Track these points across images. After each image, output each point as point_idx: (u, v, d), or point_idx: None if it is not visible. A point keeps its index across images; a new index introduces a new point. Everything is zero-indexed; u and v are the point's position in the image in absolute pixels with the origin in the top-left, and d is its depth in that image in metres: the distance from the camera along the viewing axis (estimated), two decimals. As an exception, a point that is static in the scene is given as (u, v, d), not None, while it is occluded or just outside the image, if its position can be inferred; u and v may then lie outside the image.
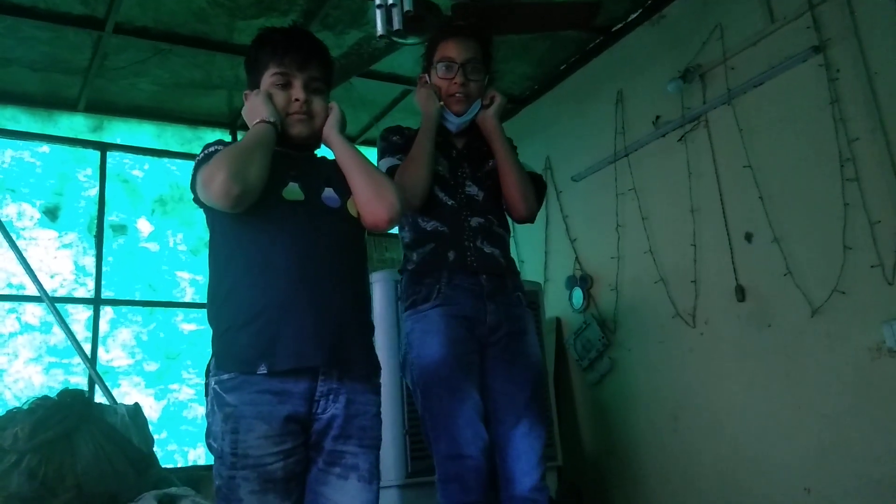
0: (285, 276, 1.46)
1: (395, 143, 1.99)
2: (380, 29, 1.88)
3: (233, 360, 1.44)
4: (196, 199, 1.55)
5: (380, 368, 1.58)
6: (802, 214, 2.76)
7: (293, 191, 1.53)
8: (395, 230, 1.98)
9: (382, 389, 1.59)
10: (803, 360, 2.71)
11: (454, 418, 1.77)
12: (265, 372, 1.40)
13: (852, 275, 2.56)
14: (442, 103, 2.00)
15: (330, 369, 1.45)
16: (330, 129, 1.62)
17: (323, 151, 1.69)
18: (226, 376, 1.43)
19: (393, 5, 1.86)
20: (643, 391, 3.39)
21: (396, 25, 1.87)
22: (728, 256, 3.00)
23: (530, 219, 2.05)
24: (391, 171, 1.90)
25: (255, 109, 1.56)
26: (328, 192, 1.57)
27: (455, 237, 1.91)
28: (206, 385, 1.48)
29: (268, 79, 1.61)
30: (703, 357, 3.11)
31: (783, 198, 2.83)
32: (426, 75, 2.06)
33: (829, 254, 2.62)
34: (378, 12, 1.88)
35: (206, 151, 1.53)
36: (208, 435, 1.46)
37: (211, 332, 1.51)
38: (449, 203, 1.95)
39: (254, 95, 1.60)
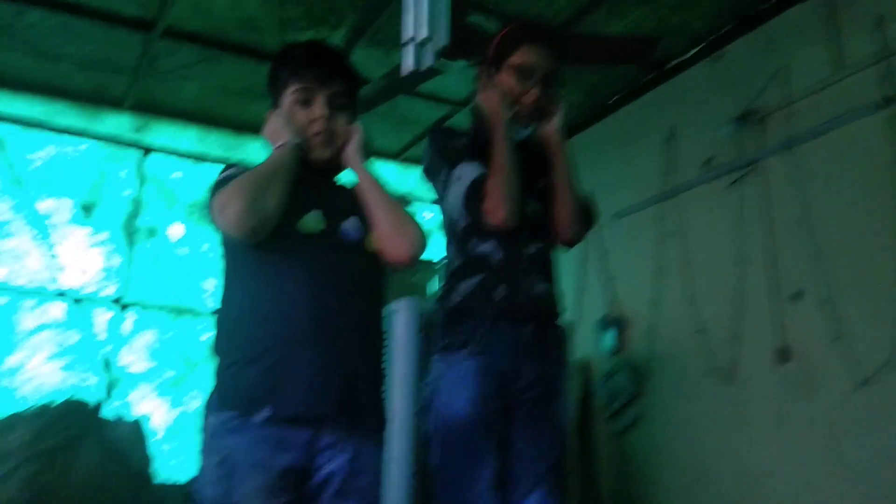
0: (297, 313, 1.38)
1: (459, 148, 1.76)
2: (408, 66, 1.69)
3: (236, 398, 1.35)
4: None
5: (386, 423, 1.49)
6: (858, 277, 2.58)
7: (315, 219, 1.45)
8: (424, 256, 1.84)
9: (394, 437, 1.50)
10: (848, 434, 2.52)
11: (469, 488, 1.65)
12: (268, 416, 1.31)
13: (909, 347, 2.38)
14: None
15: (338, 419, 1.36)
16: (352, 154, 1.52)
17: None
18: (226, 415, 1.34)
19: (427, 40, 1.66)
20: (672, 447, 3.21)
21: (428, 63, 1.69)
22: (774, 313, 2.83)
23: (572, 245, 1.88)
24: (478, 182, 1.69)
25: (277, 131, 1.48)
26: (352, 222, 1.49)
27: (508, 270, 1.74)
28: (205, 421, 1.39)
29: (288, 97, 1.52)
30: (739, 418, 2.92)
31: (839, 257, 2.65)
32: (492, 68, 1.80)
33: (884, 321, 2.44)
34: (408, 48, 1.67)
35: (223, 174, 1.45)
36: (197, 480, 1.36)
37: (216, 362, 1.42)
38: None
39: (274, 116, 1.51)
